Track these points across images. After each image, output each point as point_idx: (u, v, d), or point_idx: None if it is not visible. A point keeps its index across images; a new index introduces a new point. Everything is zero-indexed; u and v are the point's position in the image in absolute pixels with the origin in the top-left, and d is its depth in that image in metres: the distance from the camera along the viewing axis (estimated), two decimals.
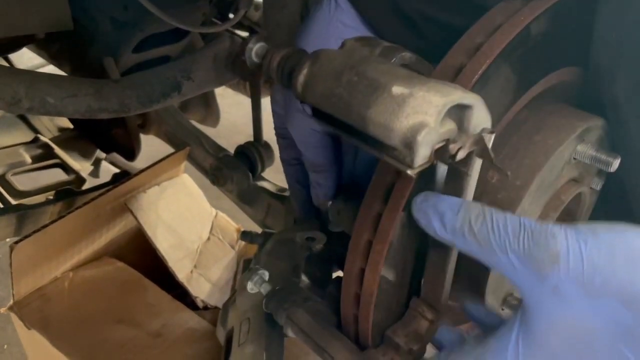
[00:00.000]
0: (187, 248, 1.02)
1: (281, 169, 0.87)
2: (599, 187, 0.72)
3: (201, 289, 1.00)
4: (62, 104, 0.78)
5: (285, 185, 1.00)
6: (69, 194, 1.03)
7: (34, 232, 0.86)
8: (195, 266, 1.02)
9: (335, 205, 0.72)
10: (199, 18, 0.94)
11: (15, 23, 0.76)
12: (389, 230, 0.51)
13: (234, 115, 1.57)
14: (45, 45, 1.13)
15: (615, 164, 0.60)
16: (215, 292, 1.01)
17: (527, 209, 0.58)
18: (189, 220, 1.06)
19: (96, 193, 0.92)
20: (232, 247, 1.08)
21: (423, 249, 0.58)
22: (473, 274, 0.59)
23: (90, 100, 0.80)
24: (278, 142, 0.73)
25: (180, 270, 0.99)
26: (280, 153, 0.74)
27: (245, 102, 1.21)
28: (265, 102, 1.14)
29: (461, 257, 0.58)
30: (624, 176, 0.66)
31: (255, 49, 0.49)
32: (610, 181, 0.73)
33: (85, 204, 0.90)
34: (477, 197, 0.56)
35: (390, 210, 0.51)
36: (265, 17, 0.66)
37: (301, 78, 0.43)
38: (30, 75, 0.77)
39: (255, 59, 0.49)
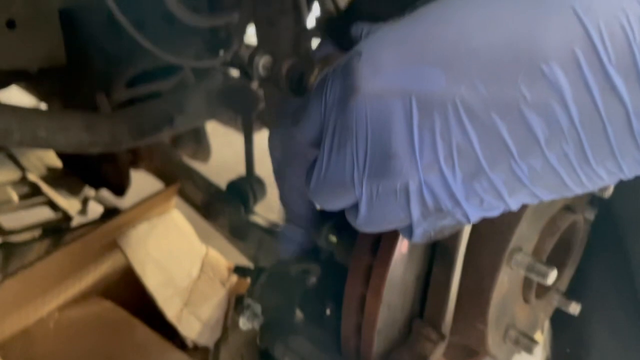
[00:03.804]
0: (176, 286, 1.00)
1: (272, 204, 0.86)
2: (592, 217, 0.73)
3: (191, 328, 0.98)
4: (53, 138, 0.77)
5: (277, 220, 0.99)
6: (56, 230, 1.01)
7: (20, 269, 0.83)
8: (185, 304, 0.99)
9: (325, 234, 0.71)
10: (192, 54, 0.95)
11: (8, 57, 0.77)
12: (390, 252, 0.50)
13: (225, 154, 1.57)
14: (36, 84, 1.13)
15: (610, 190, 0.60)
16: (205, 332, 0.99)
17: (524, 232, 0.57)
18: (179, 257, 1.04)
19: (84, 229, 0.91)
20: (223, 284, 1.06)
21: (426, 268, 0.57)
22: (475, 299, 0.58)
23: (81, 134, 0.80)
24: (277, 182, 0.73)
25: (170, 308, 0.97)
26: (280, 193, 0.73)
27: (236, 141, 1.21)
28: (257, 138, 1.15)
29: (464, 278, 0.57)
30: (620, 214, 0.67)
31: (262, 62, 0.49)
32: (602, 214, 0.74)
33: (73, 240, 0.89)
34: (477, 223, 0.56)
35: (392, 231, 0.51)
36: (257, 36, 0.66)
37: (313, 80, 0.43)
38: (22, 109, 0.77)
39: (262, 71, 0.50)
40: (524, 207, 0.56)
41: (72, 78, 0.94)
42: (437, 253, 0.57)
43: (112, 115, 0.82)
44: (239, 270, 0.80)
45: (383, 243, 0.51)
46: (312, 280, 0.76)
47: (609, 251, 0.78)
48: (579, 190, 0.35)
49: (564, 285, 0.75)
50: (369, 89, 0.35)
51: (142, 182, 1.20)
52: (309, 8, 0.85)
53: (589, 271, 0.78)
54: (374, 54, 0.35)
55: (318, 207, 0.50)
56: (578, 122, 0.31)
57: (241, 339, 0.71)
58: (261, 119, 1.17)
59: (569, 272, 0.75)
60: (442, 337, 0.57)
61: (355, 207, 0.40)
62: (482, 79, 0.32)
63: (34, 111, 0.75)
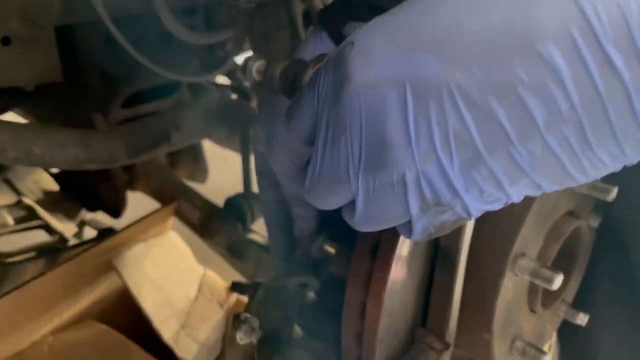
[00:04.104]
0: (173, 307, 0.98)
1: None
2: (596, 225, 0.71)
3: (189, 350, 0.95)
4: (49, 155, 0.76)
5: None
6: (52, 251, 1.00)
7: (14, 289, 0.82)
8: (182, 326, 0.97)
9: (318, 244, 0.70)
10: (190, 72, 0.95)
11: (4, 74, 0.76)
12: (390, 256, 0.49)
13: (222, 177, 1.56)
14: (34, 107, 1.13)
15: (614, 193, 0.59)
16: (203, 354, 0.96)
17: (528, 237, 0.56)
18: (176, 278, 1.02)
19: (80, 250, 0.89)
20: (222, 306, 1.04)
21: (428, 275, 0.56)
22: (479, 307, 0.57)
23: (77, 151, 0.79)
24: (259, 184, 0.72)
25: (167, 330, 0.95)
26: (261, 194, 0.72)
27: (234, 164, 1.21)
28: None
29: (468, 285, 0.56)
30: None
31: (256, 66, 0.49)
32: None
33: (68, 260, 0.87)
34: (478, 226, 0.55)
35: (391, 234, 0.49)
36: (253, 50, 0.66)
37: (306, 80, 0.43)
38: (17, 125, 0.76)
39: (256, 75, 0.49)
40: (526, 210, 0.55)
41: (70, 99, 0.94)
42: (438, 258, 0.55)
43: (108, 132, 0.81)
44: (236, 287, 0.78)
45: (383, 247, 0.50)
46: (311, 295, 0.75)
47: (614, 261, 0.76)
48: (582, 179, 0.33)
49: (570, 296, 0.74)
50: (362, 79, 0.34)
51: (139, 204, 1.19)
52: (305, 24, 0.85)
53: (595, 282, 0.77)
54: (366, 44, 0.34)
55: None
56: (578, 103, 0.30)
57: (239, 356, 0.69)
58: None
59: (575, 283, 0.74)
60: (446, 346, 0.55)
61: (352, 204, 0.38)
62: (477, 63, 0.31)
63: (29, 127, 0.75)
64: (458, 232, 0.53)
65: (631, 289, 0.75)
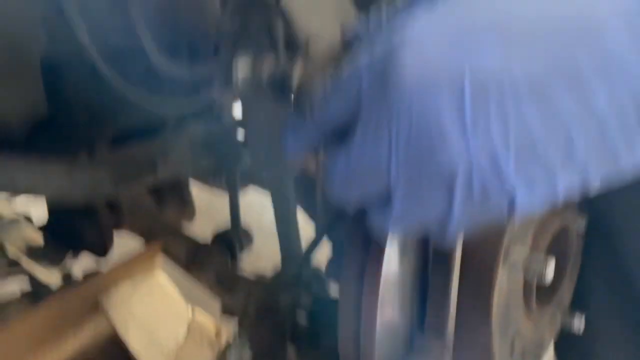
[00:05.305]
0: (162, 348, 0.94)
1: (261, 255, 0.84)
2: (582, 228, 0.72)
3: None
4: (32, 183, 0.75)
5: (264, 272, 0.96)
6: (35, 294, 0.96)
7: None
8: None
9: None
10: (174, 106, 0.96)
11: None
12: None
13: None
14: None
15: None
16: None
17: (516, 232, 0.56)
18: (163, 318, 0.99)
19: (64, 290, 0.86)
20: (211, 347, 1.00)
21: (420, 270, 0.55)
22: (476, 302, 0.56)
23: (61, 180, 0.78)
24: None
25: None
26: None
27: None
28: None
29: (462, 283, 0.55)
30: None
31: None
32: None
33: (51, 298, 0.84)
34: None
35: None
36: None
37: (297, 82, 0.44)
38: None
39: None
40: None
41: (55, 138, 0.94)
42: (431, 254, 0.55)
43: (92, 162, 0.81)
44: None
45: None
46: (303, 320, 0.72)
47: (606, 267, 0.76)
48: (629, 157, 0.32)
49: (565, 304, 0.73)
50: (414, 71, 0.32)
51: (126, 245, 1.17)
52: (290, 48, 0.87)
53: (588, 289, 0.76)
54: (417, 34, 0.33)
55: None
56: None
57: None
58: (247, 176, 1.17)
59: (568, 291, 0.73)
60: (446, 347, 0.54)
61: (384, 203, 0.36)
62: (542, 50, 0.30)
63: (13, 155, 0.74)
64: None
65: (627, 295, 0.75)
